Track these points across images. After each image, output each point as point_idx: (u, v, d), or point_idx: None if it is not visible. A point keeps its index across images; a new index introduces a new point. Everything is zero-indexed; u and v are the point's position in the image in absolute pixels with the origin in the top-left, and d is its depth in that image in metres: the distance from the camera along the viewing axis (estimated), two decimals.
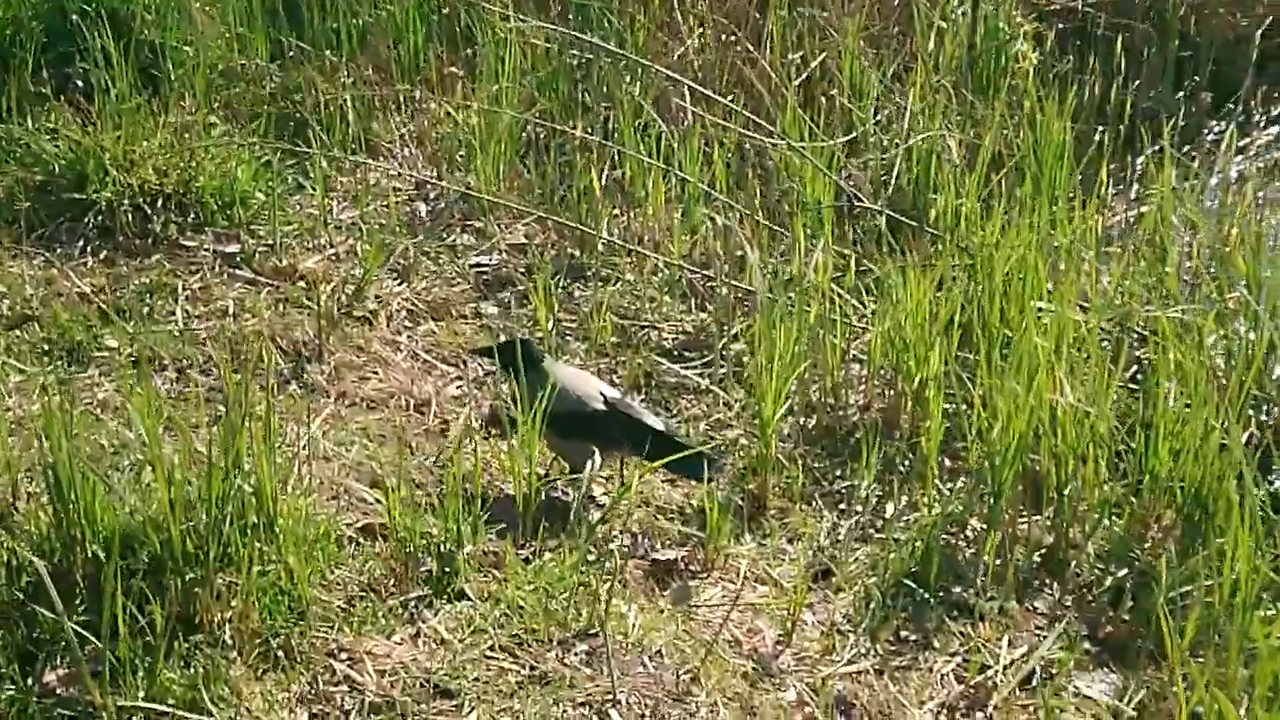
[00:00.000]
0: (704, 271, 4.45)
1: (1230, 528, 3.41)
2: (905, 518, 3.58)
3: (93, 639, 2.64)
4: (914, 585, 3.30)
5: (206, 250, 4.33)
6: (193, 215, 4.43)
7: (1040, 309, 4.00)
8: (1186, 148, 5.71)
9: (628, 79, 5.04)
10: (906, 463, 3.74)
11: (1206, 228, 4.66)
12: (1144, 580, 3.40)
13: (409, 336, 4.13)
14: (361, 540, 3.17)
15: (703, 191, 4.58)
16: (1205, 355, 3.90)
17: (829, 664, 3.08)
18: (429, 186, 4.84)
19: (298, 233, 4.49)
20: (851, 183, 4.71)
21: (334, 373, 3.87)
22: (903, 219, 4.52)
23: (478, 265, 4.52)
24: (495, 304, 4.35)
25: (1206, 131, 5.97)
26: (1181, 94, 6.10)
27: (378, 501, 3.25)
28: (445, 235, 4.63)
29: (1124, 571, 3.41)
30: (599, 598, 3.03)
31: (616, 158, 4.83)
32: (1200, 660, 3.07)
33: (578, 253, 4.57)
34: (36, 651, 2.77)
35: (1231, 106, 6.13)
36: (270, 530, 2.93)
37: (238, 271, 4.26)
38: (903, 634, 3.21)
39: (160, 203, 4.40)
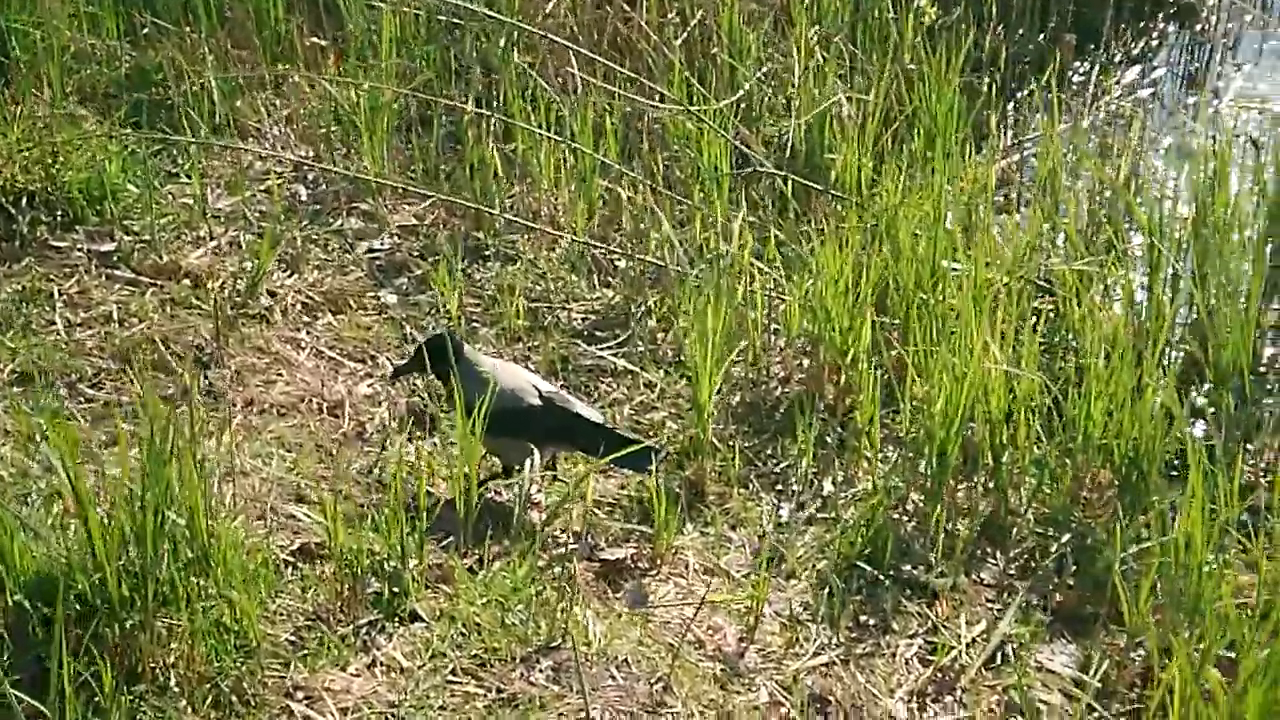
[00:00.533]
0: (609, 248, 4.31)
1: (1170, 486, 3.44)
2: (844, 494, 3.51)
3: (32, 702, 2.42)
4: (866, 566, 3.23)
5: (80, 250, 4.06)
6: (60, 213, 4.15)
7: (955, 269, 3.96)
8: (1056, 90, 5.73)
9: (502, 43, 4.86)
10: (835, 436, 3.66)
11: (1095, 168, 4.66)
12: (1085, 544, 3.38)
13: (309, 333, 3.92)
14: (299, 564, 2.99)
15: (598, 163, 4.42)
16: (1124, 307, 3.90)
17: (794, 658, 2.99)
18: (306, 168, 4.61)
19: (174, 226, 4.24)
20: (743, 145, 4.59)
21: (236, 377, 3.66)
22: (809, 184, 4.43)
23: (370, 251, 4.32)
24: (394, 292, 4.15)
25: (1071, 73, 6.00)
26: (1043, 37, 6.11)
27: (310, 520, 3.07)
28: (331, 220, 4.41)
29: (1066, 537, 3.38)
30: (557, 609, 2.90)
31: (503, 131, 4.65)
32: (1158, 621, 3.07)
33: (475, 233, 4.39)
34: None
35: (1093, 47, 6.18)
36: (206, 563, 2.74)
37: (116, 272, 4.01)
38: (862, 619, 3.14)
39: (24, 201, 4.11)
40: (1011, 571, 3.35)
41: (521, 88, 4.64)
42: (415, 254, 4.32)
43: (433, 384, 3.73)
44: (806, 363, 3.89)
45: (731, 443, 3.60)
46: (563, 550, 3.17)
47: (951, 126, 4.67)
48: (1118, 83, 5.96)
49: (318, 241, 4.30)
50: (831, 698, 2.88)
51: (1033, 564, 3.37)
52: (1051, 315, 3.99)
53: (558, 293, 4.17)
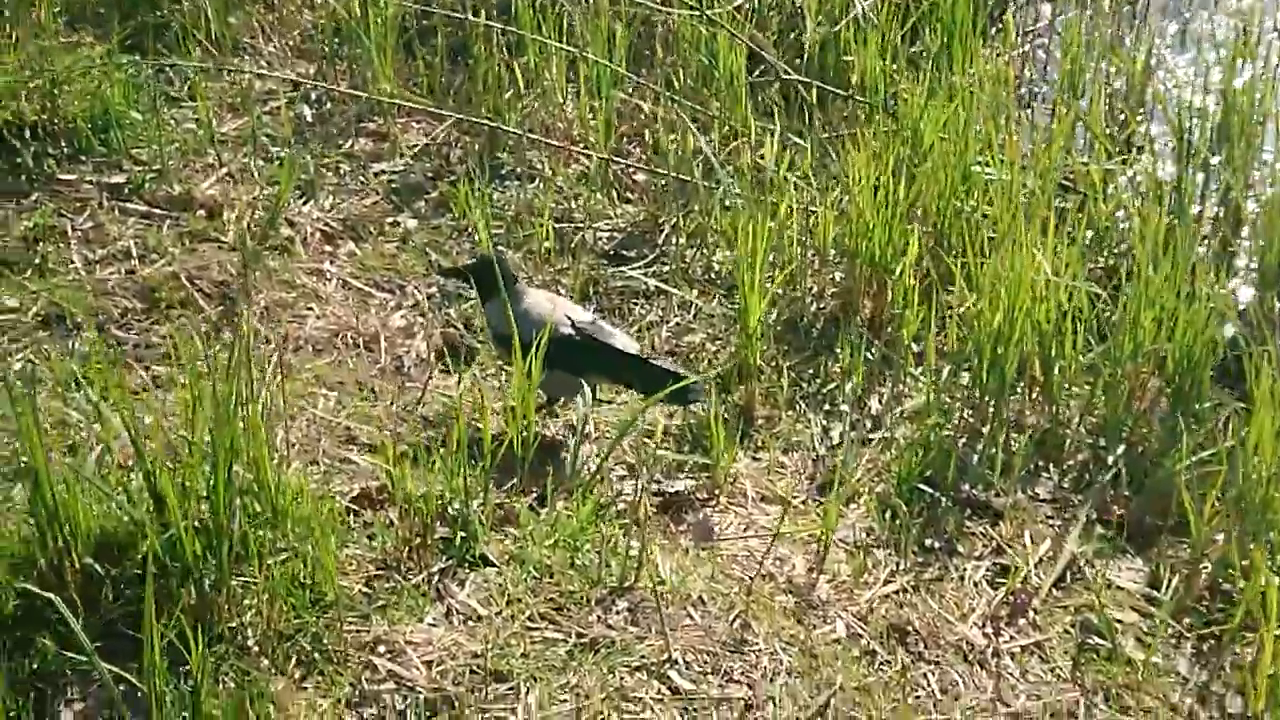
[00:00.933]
0: (633, 163, 4.21)
1: (1225, 393, 3.42)
2: (892, 412, 3.47)
3: (120, 672, 2.35)
4: (926, 488, 3.20)
5: (89, 183, 3.92)
6: (66, 144, 4.01)
7: (989, 174, 3.89)
8: None
9: None
10: (877, 351, 3.60)
11: (1118, 58, 4.59)
12: (1139, 455, 3.36)
13: (333, 263, 3.82)
14: (360, 510, 2.92)
15: (613, 74, 4.30)
16: (1158, 204, 3.83)
17: (865, 586, 2.96)
18: (309, 87, 4.47)
19: (182, 153, 4.10)
20: (759, 49, 4.47)
21: (267, 314, 3.56)
22: (832, 89, 4.33)
23: (384, 174, 4.20)
24: (413, 216, 4.05)
25: None
26: None
27: (367, 464, 3.00)
28: (341, 142, 4.29)
29: (1121, 449, 3.35)
30: (626, 549, 2.85)
31: (515, 44, 4.50)
32: (1224, 532, 3.06)
33: (491, 152, 4.27)
34: (43, 686, 2.48)
35: None
36: (275, 516, 2.67)
37: (129, 205, 3.87)
38: (927, 542, 3.11)
39: (28, 134, 3.96)
40: (1066, 485, 3.33)
41: None
42: (430, 175, 4.21)
43: (467, 312, 3.66)
44: (839, 276, 3.82)
45: (775, 364, 3.55)
46: (622, 485, 3.12)
47: (968, 22, 4.56)
48: None
49: (329, 165, 4.17)
50: (909, 627, 2.85)
51: (1088, 477, 3.34)
52: (1078, 216, 3.92)
53: (581, 211, 4.07)
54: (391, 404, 3.31)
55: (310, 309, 3.61)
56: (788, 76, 4.30)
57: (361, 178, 4.16)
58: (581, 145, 4.28)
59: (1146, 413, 3.43)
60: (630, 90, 4.39)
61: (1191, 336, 3.38)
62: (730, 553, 3.01)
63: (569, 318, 3.27)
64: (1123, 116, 4.53)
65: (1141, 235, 3.56)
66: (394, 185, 4.15)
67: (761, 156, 3.91)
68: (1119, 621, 2.95)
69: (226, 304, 3.56)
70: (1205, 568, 3.07)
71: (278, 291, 3.64)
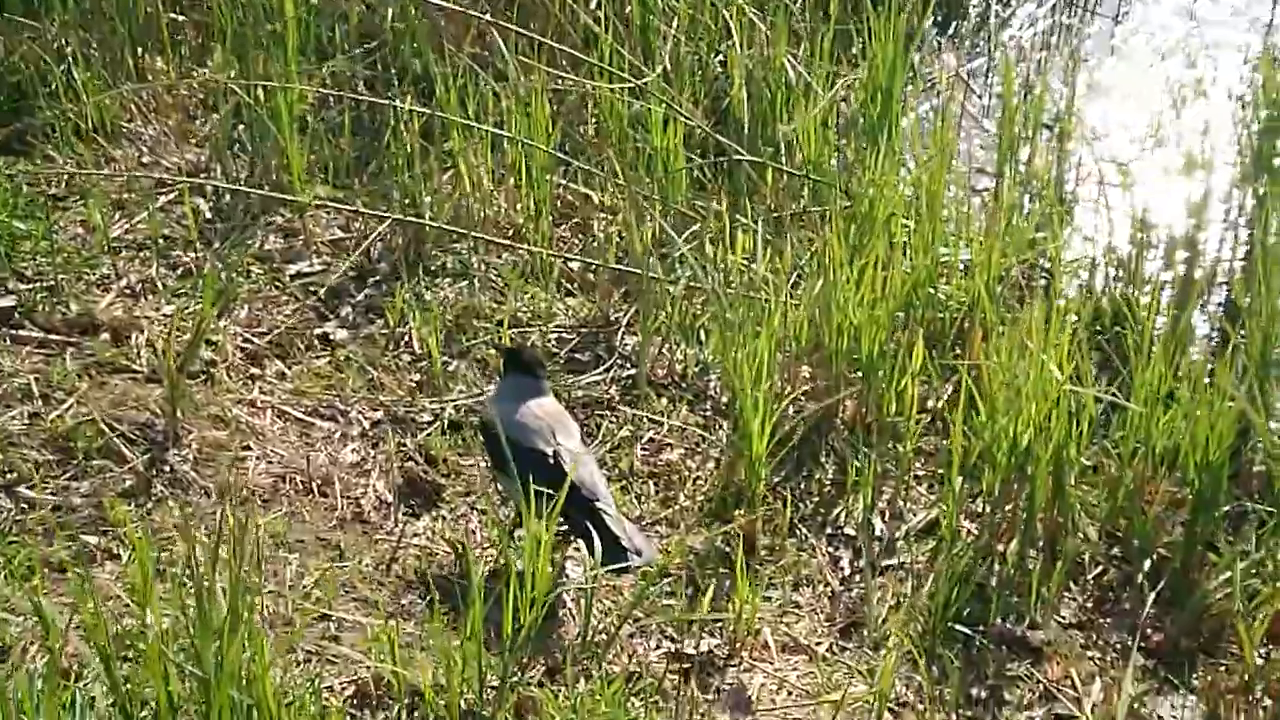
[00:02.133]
0: (583, 258, 3.87)
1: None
2: (897, 532, 3.21)
3: None
4: (960, 627, 2.94)
5: None
6: None
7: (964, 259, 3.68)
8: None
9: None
10: (865, 461, 3.32)
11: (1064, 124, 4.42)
12: (1161, 570, 3.16)
13: (262, 389, 3.41)
14: (357, 713, 2.54)
15: (548, 158, 3.95)
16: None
17: None
18: (204, 177, 4.04)
19: (73, 265, 3.64)
20: (688, 120, 4.16)
21: (199, 460, 3.15)
22: (788, 170, 4.06)
23: (300, 276, 3.79)
24: (341, 324, 3.65)
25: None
26: None
27: (355, 653, 2.63)
28: (249, 241, 3.86)
29: (1147, 564, 3.14)
30: None
31: (434, 129, 4.10)
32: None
33: (415, 245, 3.88)
34: None
35: None
36: None
37: (22, 332, 3.41)
38: (972, 692, 2.85)
39: None
40: (1090, 607, 3.11)
41: (445, 75, 4.09)
42: (353, 275, 3.81)
43: (424, 442, 3.29)
44: (810, 376, 3.52)
45: (766, 483, 3.25)
46: (633, 646, 2.80)
47: (900, 81, 4.31)
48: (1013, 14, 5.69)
49: (239, 270, 3.75)
50: None
51: (1112, 597, 3.12)
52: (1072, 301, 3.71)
53: (526, 310, 3.71)
54: (362, 563, 2.93)
55: (248, 448, 3.20)
56: (740, 157, 3.99)
57: (277, 282, 3.75)
58: (512, 235, 3.93)
59: (1167, 524, 3.21)
60: (563, 175, 4.05)
61: (1208, 434, 3.17)
62: None
63: (554, 436, 2.95)
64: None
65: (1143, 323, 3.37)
66: (314, 289, 3.74)
67: (729, 248, 3.62)
68: None
69: (153, 450, 3.13)
70: (1261, 701, 2.87)
71: (208, 429, 3.22)
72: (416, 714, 2.48)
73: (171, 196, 3.94)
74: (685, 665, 2.79)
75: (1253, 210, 4.09)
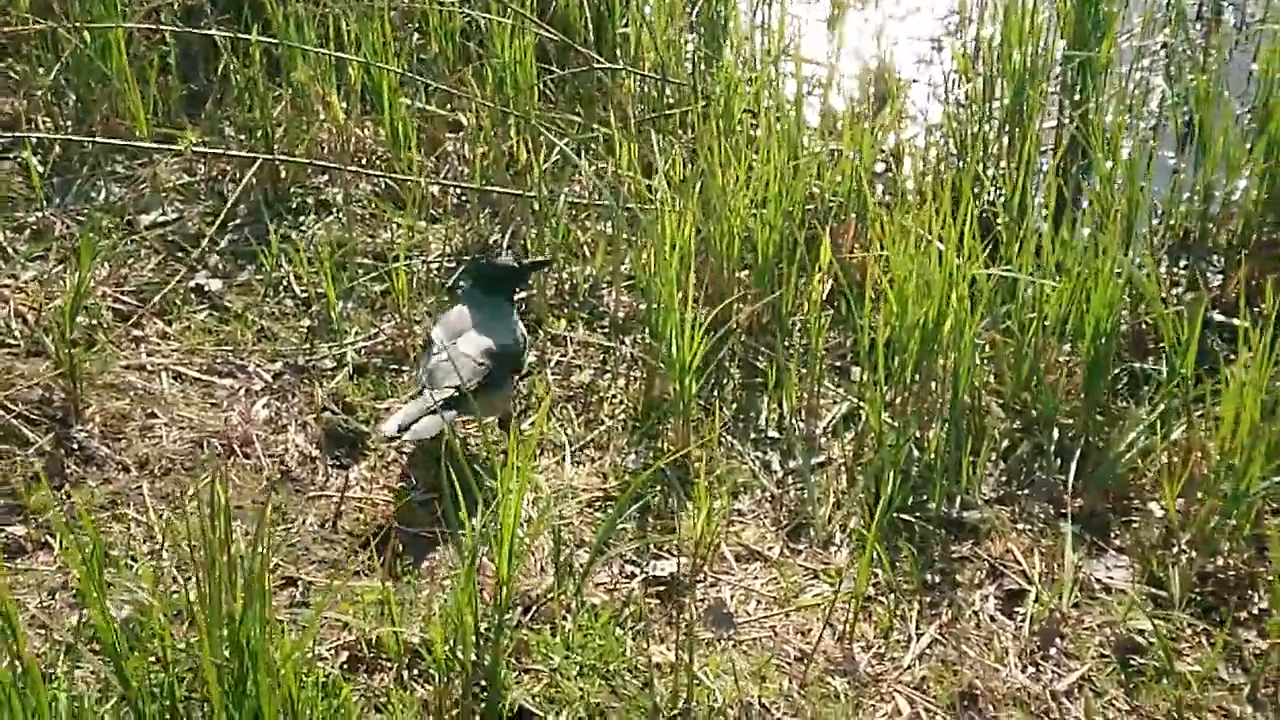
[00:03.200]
0: (455, 182, 3.77)
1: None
2: (814, 427, 3.25)
3: None
4: (904, 516, 3.01)
5: None
6: None
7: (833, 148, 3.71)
8: None
9: None
10: (764, 359, 3.35)
11: None
12: (1068, 439, 3.27)
13: (148, 350, 3.24)
14: (352, 674, 2.47)
15: (394, 78, 3.81)
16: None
17: (899, 648, 2.74)
18: (27, 130, 3.78)
19: None
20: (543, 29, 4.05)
21: (106, 433, 2.98)
22: (644, 74, 4.00)
23: (156, 227, 3.60)
24: (212, 274, 3.49)
25: None
26: None
27: (335, 618, 2.55)
28: (93, 192, 3.64)
29: (1055, 434, 3.26)
30: (669, 670, 2.53)
31: (274, 59, 3.90)
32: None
33: (273, 185, 3.72)
34: None
35: None
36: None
37: None
38: (926, 578, 2.93)
39: None
40: (1004, 480, 3.21)
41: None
42: (209, 219, 3.63)
43: (335, 388, 3.18)
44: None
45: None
46: (600, 574, 2.79)
47: None
48: None
49: (81, 220, 3.53)
50: (968, 688, 2.67)
51: (1025, 470, 3.23)
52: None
53: (399, 243, 3.59)
54: (306, 523, 2.83)
55: (155, 416, 3.05)
56: (601, 65, 3.92)
57: (134, 235, 3.55)
58: (372, 164, 3.80)
59: (1066, 393, 3.33)
60: (410, 92, 3.92)
61: (1101, 304, 3.28)
62: (751, 636, 2.73)
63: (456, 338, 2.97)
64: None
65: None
66: (173, 239, 3.56)
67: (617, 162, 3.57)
68: (1140, 632, 2.85)
69: (57, 428, 2.95)
70: (1187, 554, 3.02)
71: (106, 399, 3.05)
72: (416, 671, 2.42)
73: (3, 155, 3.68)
74: (658, 589, 2.79)
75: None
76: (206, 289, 3.43)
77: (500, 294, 3.11)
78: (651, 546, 2.89)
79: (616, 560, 2.85)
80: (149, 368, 3.18)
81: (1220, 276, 3.74)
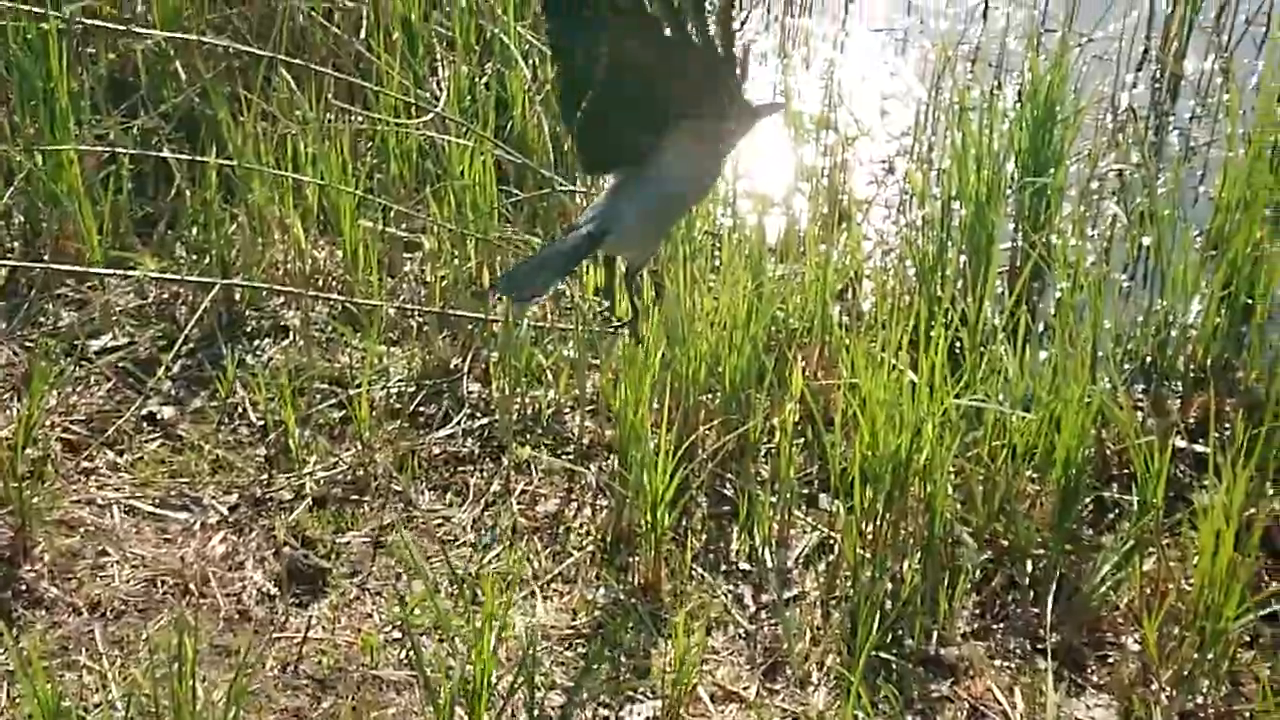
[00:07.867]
0: (416, 307, 3.70)
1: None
2: (787, 559, 3.19)
3: None
4: (884, 654, 2.95)
5: None
6: None
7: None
8: None
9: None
10: (744, 495, 3.29)
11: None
12: (1041, 571, 3.23)
13: (98, 482, 3.13)
14: None
15: (353, 199, 3.74)
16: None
17: None
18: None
19: None
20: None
21: (54, 574, 2.86)
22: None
23: (106, 352, 3.50)
24: (165, 400, 3.39)
25: None
26: None
27: None
28: (41, 319, 3.54)
29: (1029, 565, 3.22)
30: None
31: (229, 182, 3.83)
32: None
33: (227, 308, 3.63)
34: None
35: None
36: None
37: None
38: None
39: None
40: (978, 613, 3.15)
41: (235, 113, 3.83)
42: (161, 344, 3.54)
43: (292, 522, 3.08)
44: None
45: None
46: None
47: None
48: None
49: (32, 347, 3.43)
50: None
51: (999, 603, 3.18)
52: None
53: (358, 370, 3.51)
54: (266, 668, 2.72)
55: (106, 554, 2.93)
56: (563, 188, 3.89)
57: (83, 361, 3.45)
58: (329, 287, 3.73)
59: (1037, 522, 3.29)
60: (373, 215, 3.85)
61: (1070, 434, 3.26)
62: None
63: None
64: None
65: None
66: (124, 366, 3.46)
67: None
68: None
69: (4, 568, 2.83)
70: (1166, 691, 2.97)
71: (56, 537, 2.94)
72: None
73: None
74: None
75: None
76: (159, 417, 3.33)
77: None
78: (626, 690, 2.80)
79: (590, 704, 2.75)
80: (100, 501, 3.07)
81: (1179, 401, 3.73)
